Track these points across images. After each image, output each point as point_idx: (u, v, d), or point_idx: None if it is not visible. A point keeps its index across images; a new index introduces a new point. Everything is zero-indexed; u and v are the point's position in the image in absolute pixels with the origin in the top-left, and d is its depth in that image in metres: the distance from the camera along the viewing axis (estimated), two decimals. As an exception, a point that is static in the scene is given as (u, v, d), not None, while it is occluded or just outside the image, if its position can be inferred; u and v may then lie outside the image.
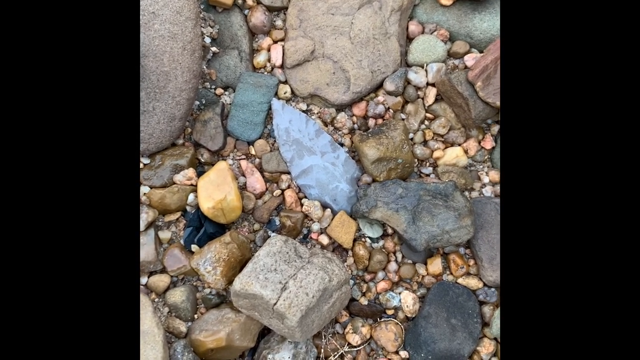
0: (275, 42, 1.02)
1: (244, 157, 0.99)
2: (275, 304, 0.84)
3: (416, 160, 1.00)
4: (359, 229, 0.98)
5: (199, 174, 0.96)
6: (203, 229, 0.94)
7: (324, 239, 0.97)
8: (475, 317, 0.94)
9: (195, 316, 0.94)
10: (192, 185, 0.94)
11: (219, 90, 1.00)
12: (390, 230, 0.98)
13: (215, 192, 0.92)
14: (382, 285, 0.97)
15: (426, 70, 0.99)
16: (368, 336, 0.97)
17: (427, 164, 1.00)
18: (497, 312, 0.94)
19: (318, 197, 0.97)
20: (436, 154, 0.99)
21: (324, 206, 0.98)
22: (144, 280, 0.94)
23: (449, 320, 0.94)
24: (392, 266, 0.97)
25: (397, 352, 0.97)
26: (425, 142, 1.00)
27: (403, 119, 1.00)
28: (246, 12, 1.01)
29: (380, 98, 0.99)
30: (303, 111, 1.00)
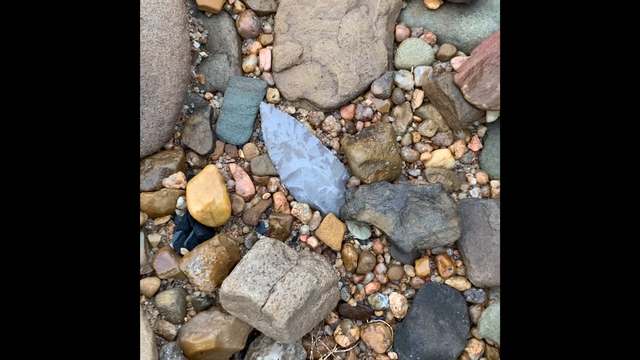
0: (263, 46, 1.03)
1: (233, 160, 1.00)
2: (263, 306, 0.84)
3: (404, 162, 1.00)
4: (347, 231, 0.99)
5: (188, 177, 0.97)
6: (192, 232, 0.95)
7: (313, 241, 0.97)
8: (463, 318, 0.95)
9: (185, 319, 0.95)
10: (181, 188, 0.95)
11: (208, 95, 1.01)
12: (378, 232, 0.99)
13: (204, 195, 0.92)
14: (370, 286, 0.97)
15: (413, 74, 1.00)
16: (357, 337, 0.97)
17: (415, 166, 1.00)
18: (485, 313, 0.95)
19: (307, 199, 0.98)
20: (424, 156, 0.99)
21: (313, 209, 0.99)
22: (133, 283, 0.94)
23: (437, 321, 0.94)
24: (381, 268, 0.98)
25: (386, 354, 0.97)
26: (412, 145, 1.01)
27: (391, 122, 1.01)
28: (235, 17, 1.02)
29: (368, 101, 1.00)
30: (291, 115, 1.01)
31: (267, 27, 1.03)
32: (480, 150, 1.01)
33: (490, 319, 0.94)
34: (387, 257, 0.99)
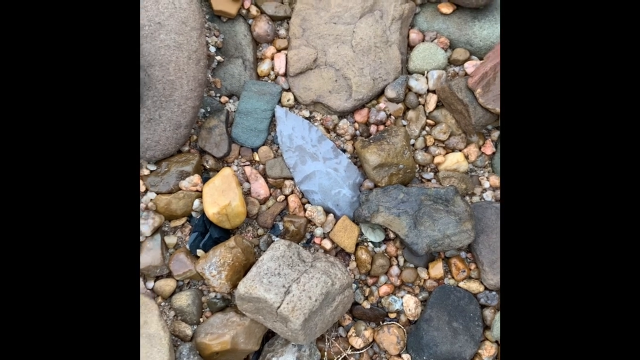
0: (278, 50, 1.04)
1: (248, 163, 1.01)
2: (278, 307, 0.85)
3: (417, 165, 1.01)
4: (361, 234, 1.00)
5: (204, 180, 0.98)
6: (208, 234, 0.96)
7: (327, 244, 0.98)
8: (477, 320, 0.95)
9: (201, 320, 0.96)
10: (197, 191, 0.96)
11: (224, 98, 1.02)
12: (392, 235, 0.99)
13: (220, 197, 0.93)
14: (384, 289, 0.98)
15: (427, 78, 1.01)
16: (371, 339, 0.98)
17: (428, 169, 1.01)
18: (498, 316, 0.95)
19: (321, 202, 0.99)
20: (437, 159, 1.00)
21: (327, 211, 0.99)
22: (150, 284, 0.96)
23: (451, 324, 0.95)
24: (394, 270, 0.98)
25: (399, 355, 0.98)
26: (426, 148, 1.02)
27: (404, 126, 1.02)
28: (250, 21, 1.03)
29: (382, 105, 1.01)
30: (306, 118, 1.02)
31: (282, 32, 1.04)
32: (494, 153, 1.02)
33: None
34: (401, 260, 0.99)
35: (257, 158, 1.01)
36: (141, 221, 0.92)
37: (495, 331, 0.95)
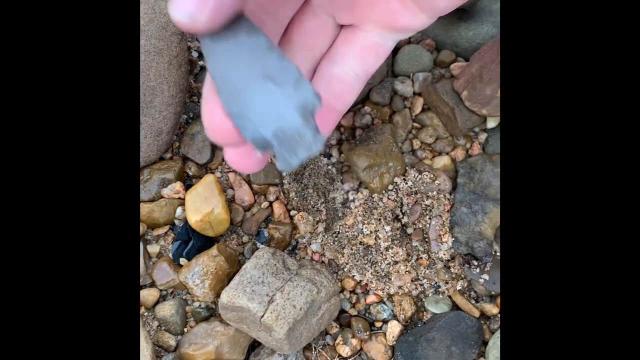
0: (262, 55, 1.02)
1: (232, 169, 1.00)
2: (262, 316, 0.83)
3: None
4: (423, 308, 0.97)
5: (187, 187, 0.96)
6: (191, 242, 0.94)
7: (316, 254, 0.96)
8: (475, 347, 0.92)
9: (185, 330, 0.94)
10: (180, 198, 0.95)
11: (207, 104, 1.01)
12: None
13: (203, 205, 0.92)
14: (371, 297, 0.96)
15: (412, 80, 0.99)
16: (358, 348, 0.96)
17: (415, 173, 1.00)
18: (492, 342, 0.92)
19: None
20: (424, 162, 0.98)
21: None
22: (133, 294, 0.94)
23: (450, 348, 0.92)
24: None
25: (387, 364, 0.96)
26: (413, 152, 1.00)
27: (390, 123, 1.00)
28: (233, 25, 1.02)
29: (367, 109, 0.99)
30: (290, 123, 1.00)
31: (266, 36, 1.02)
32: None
33: (498, 347, 0.92)
34: (388, 266, 0.98)
35: (241, 164, 0.99)
36: (122, 230, 0.91)
37: (492, 358, 0.92)
